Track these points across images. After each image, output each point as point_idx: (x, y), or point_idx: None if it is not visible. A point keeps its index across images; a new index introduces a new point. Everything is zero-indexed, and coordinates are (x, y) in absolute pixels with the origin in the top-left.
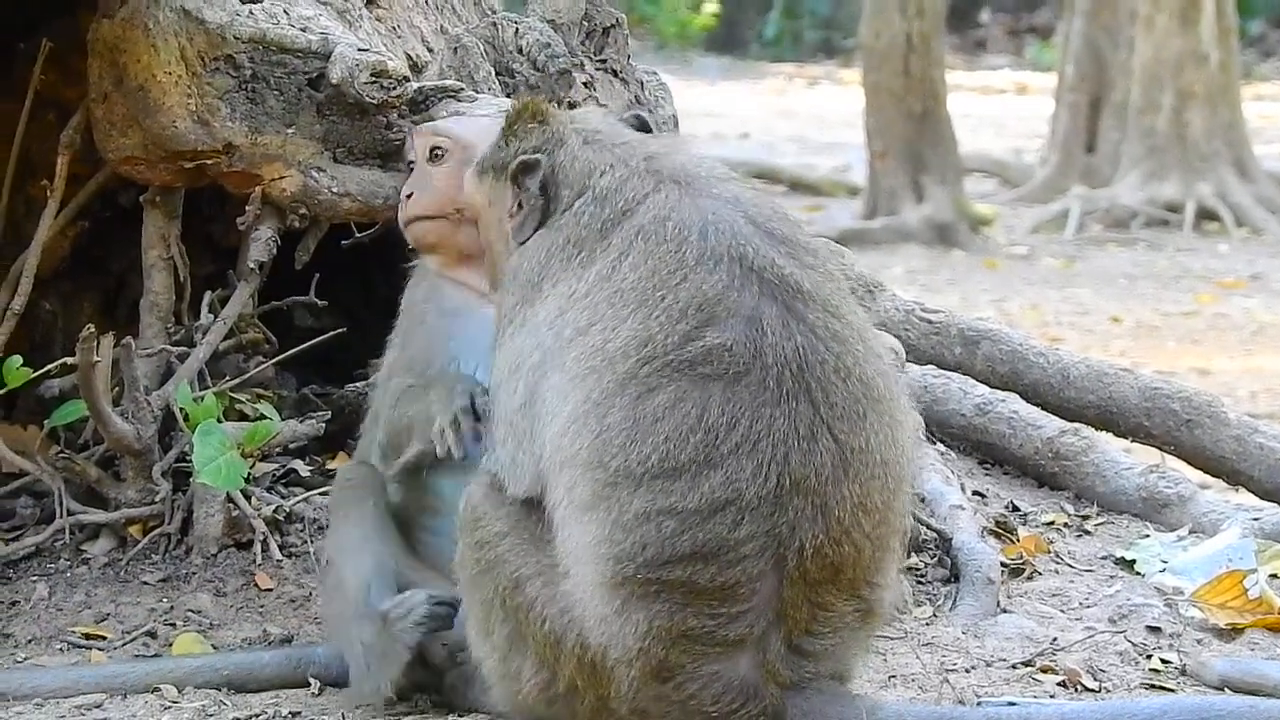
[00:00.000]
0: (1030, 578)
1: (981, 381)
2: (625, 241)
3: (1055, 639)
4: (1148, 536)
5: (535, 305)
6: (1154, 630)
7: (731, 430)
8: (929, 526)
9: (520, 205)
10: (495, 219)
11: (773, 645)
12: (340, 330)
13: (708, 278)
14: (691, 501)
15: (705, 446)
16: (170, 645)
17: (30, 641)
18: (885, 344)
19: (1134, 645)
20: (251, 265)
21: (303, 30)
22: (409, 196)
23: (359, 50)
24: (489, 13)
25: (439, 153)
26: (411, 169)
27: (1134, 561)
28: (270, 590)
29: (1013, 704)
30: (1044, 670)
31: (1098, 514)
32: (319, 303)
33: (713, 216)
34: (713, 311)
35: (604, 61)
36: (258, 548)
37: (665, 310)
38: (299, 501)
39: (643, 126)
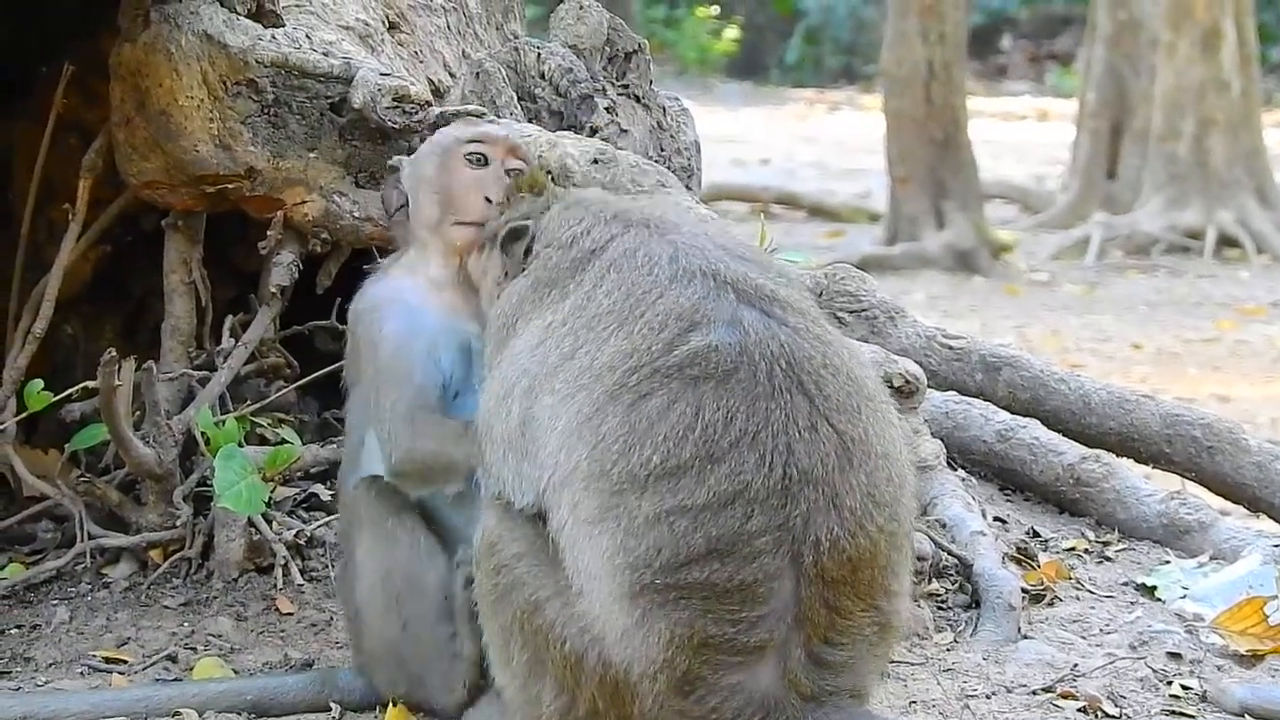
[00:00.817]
0: (1051, 604)
1: (1003, 408)
2: (598, 274)
3: (1076, 665)
4: (1168, 563)
5: (512, 342)
6: (1174, 656)
7: (729, 425)
8: (950, 552)
9: (507, 273)
10: (490, 288)
11: (793, 653)
12: None
13: (683, 291)
14: (700, 497)
15: (705, 443)
16: (191, 669)
17: (51, 665)
18: (905, 369)
19: (1154, 671)
20: (273, 289)
21: (325, 55)
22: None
23: (381, 75)
24: (511, 38)
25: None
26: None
27: (1155, 588)
28: (291, 614)
29: None
30: (1064, 696)
31: (1118, 540)
32: (340, 327)
33: (682, 244)
34: (692, 319)
35: (626, 87)
36: (279, 572)
37: (646, 324)
38: (320, 526)
39: None
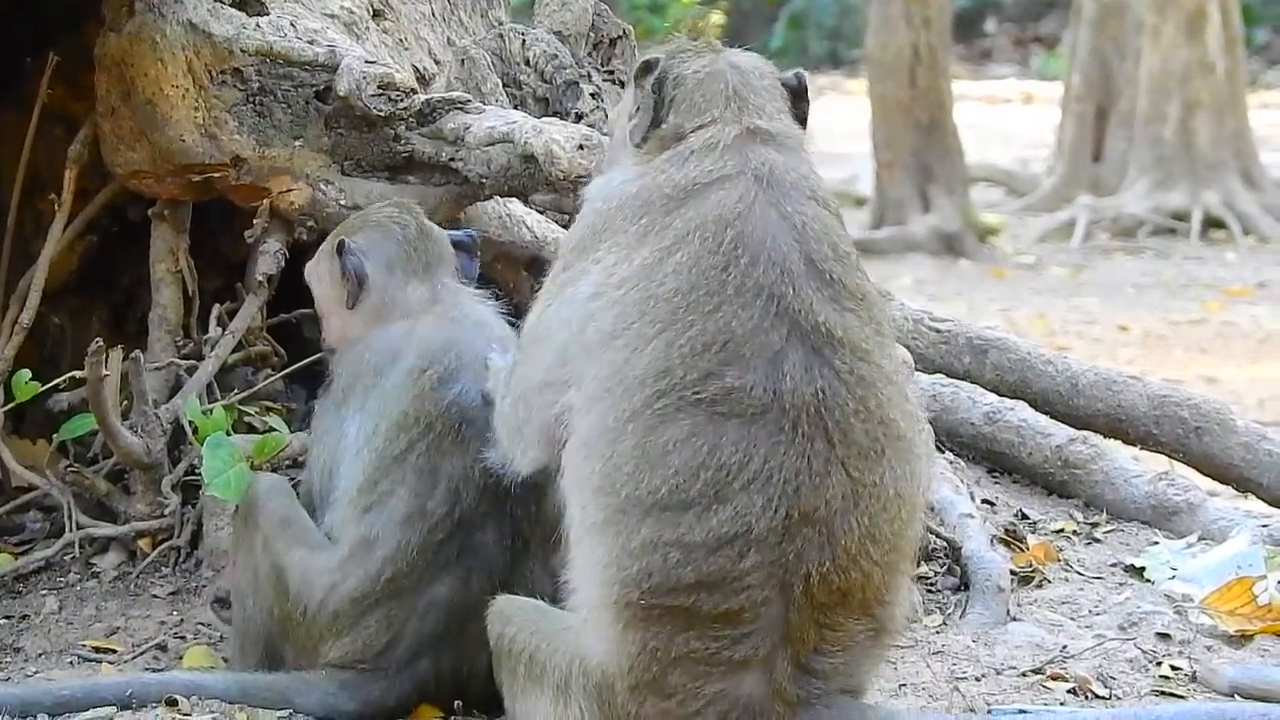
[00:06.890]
0: (1040, 585)
1: (990, 390)
2: (683, 230)
3: (1065, 646)
4: (1157, 544)
5: (584, 266)
6: (1164, 637)
7: (744, 468)
8: (939, 535)
9: (639, 108)
10: (623, 128)
11: (780, 665)
12: None
13: (740, 313)
14: (698, 535)
15: (716, 483)
16: (180, 658)
17: (40, 655)
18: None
19: (1144, 652)
20: (259, 278)
21: (310, 43)
22: None
23: (366, 62)
24: (496, 25)
25: None
26: None
27: (1143, 569)
28: None
29: (1023, 712)
30: (1054, 678)
31: (1107, 521)
32: None
33: (770, 243)
34: (738, 350)
35: (611, 73)
36: None
37: (690, 340)
38: None
39: (798, 87)
